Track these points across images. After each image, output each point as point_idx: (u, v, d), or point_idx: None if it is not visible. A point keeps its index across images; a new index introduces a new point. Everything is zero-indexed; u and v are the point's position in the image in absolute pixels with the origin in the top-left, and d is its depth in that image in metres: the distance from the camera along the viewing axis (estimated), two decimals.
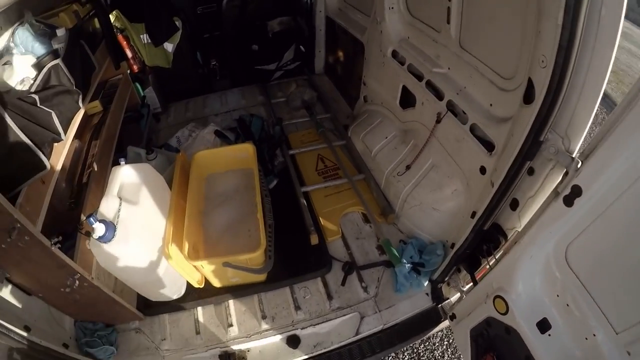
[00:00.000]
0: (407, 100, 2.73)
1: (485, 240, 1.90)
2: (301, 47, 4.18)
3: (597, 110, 1.29)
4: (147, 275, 1.91)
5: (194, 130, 3.30)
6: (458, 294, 2.26)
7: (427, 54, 2.46)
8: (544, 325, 1.53)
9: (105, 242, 1.65)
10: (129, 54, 3.38)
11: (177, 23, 3.50)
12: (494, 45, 1.93)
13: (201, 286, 2.26)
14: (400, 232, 2.63)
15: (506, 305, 1.64)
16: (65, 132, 1.86)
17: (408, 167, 2.59)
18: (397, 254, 2.37)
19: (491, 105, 1.96)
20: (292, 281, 2.37)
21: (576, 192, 1.27)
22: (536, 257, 1.52)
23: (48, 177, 1.77)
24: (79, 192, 2.23)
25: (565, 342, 1.48)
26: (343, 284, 2.36)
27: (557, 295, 1.50)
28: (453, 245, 2.15)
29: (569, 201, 1.30)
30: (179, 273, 2.02)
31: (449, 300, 2.32)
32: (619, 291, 1.32)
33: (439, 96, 2.31)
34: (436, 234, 2.45)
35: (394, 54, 2.80)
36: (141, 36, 3.42)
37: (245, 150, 2.60)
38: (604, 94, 1.25)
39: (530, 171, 1.58)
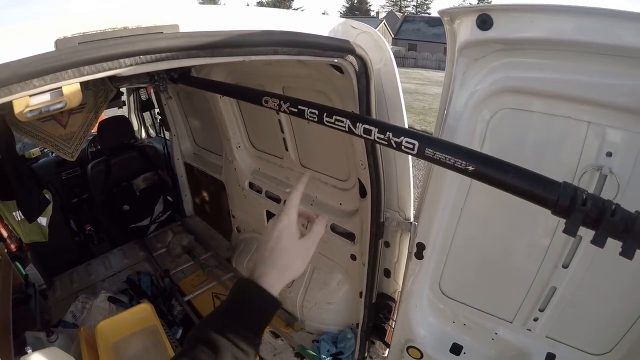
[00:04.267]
0: None
1: (380, 310, 2.19)
2: (168, 197, 4.37)
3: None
4: None
5: (86, 302, 3.11)
6: None
7: (279, 178, 2.88)
8: (456, 349, 1.81)
9: None
10: (5, 233, 3.17)
11: (47, 196, 3.44)
12: (327, 158, 2.41)
13: None
14: (311, 334, 2.77)
15: (419, 351, 1.90)
16: None
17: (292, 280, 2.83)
18: (314, 353, 2.51)
19: (341, 204, 2.38)
20: None
21: (420, 247, 1.67)
22: (420, 304, 1.85)
23: None
24: None
25: (479, 351, 1.78)
26: None
27: (453, 322, 1.83)
28: (357, 324, 2.36)
29: (419, 255, 1.69)
30: None
31: None
32: (494, 294, 1.69)
33: None
34: (341, 322, 2.65)
35: (251, 185, 3.16)
36: (14, 213, 3.27)
37: (144, 310, 2.62)
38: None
39: (387, 244, 1.96)
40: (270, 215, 3.04)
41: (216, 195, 3.94)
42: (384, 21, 40.92)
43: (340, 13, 67.21)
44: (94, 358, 2.28)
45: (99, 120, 3.56)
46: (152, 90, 4.47)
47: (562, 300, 1.50)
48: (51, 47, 0.88)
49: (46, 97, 0.90)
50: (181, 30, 1.04)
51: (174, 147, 4.34)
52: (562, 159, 1.27)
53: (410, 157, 1.68)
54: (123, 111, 5.41)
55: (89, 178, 3.94)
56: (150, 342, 2.58)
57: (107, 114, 4.39)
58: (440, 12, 1.22)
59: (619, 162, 1.17)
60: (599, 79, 1.09)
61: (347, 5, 70.18)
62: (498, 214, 1.50)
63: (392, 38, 42.97)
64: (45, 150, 4.86)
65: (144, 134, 5.62)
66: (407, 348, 1.96)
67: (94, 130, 3.65)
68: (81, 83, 0.93)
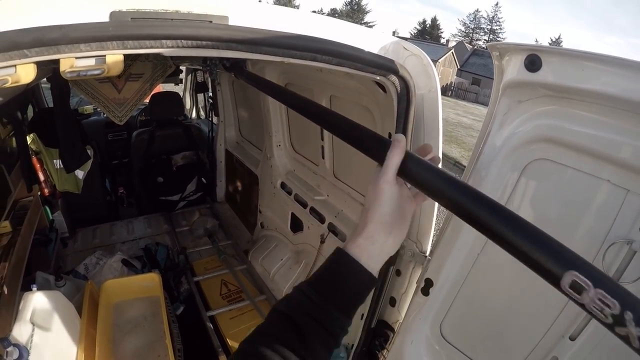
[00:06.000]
0: (296, 224, 3.07)
1: (376, 336, 2.13)
2: (203, 179, 4.49)
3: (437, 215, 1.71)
4: None
5: (101, 259, 3.26)
6: None
7: (310, 184, 2.89)
8: None
9: None
10: (42, 177, 3.39)
11: (89, 152, 3.63)
12: (360, 173, 2.40)
13: None
14: None
15: None
16: None
17: None
18: None
19: None
20: None
21: (428, 283, 1.61)
22: (416, 340, 1.78)
23: None
24: None
25: None
26: None
27: None
28: (352, 345, 2.31)
29: (425, 291, 1.63)
30: None
31: None
32: (492, 348, 1.59)
33: (321, 220, 2.68)
34: None
35: (283, 185, 3.19)
36: (54, 161, 3.48)
37: (151, 280, 2.70)
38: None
39: (398, 272, 1.91)
40: (294, 218, 3.05)
41: (249, 187, 4.02)
42: (452, 51, 40.40)
43: (411, 34, 67.03)
44: (93, 312, 2.37)
45: (153, 92, 3.71)
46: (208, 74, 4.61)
47: None
48: (105, 18, 0.94)
49: (91, 62, 0.96)
50: (230, 22, 1.08)
51: (219, 133, 4.48)
52: (592, 225, 1.18)
53: None
54: (179, 89, 5.60)
55: (132, 144, 4.12)
56: (149, 311, 2.66)
57: (165, 88, 4.60)
58: (489, 45, 1.17)
59: None
60: None
61: (419, 28, 69.88)
62: (513, 269, 1.42)
63: (458, 69, 42.34)
64: (98, 109, 5.17)
65: (194, 114, 5.80)
66: None
67: (147, 100, 3.80)
68: (138, 55, 1.01)
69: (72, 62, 0.94)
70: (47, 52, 0.87)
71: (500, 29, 69.06)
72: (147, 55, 3.34)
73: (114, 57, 0.97)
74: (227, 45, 1.04)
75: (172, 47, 0.98)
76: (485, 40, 67.85)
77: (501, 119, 1.23)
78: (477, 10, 71.37)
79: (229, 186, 4.73)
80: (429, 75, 1.48)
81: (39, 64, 0.95)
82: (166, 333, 2.28)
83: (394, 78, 1.38)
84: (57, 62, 0.95)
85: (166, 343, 2.22)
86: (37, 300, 1.99)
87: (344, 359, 2.46)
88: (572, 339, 1.31)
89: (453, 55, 40.62)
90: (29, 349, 1.72)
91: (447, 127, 15.69)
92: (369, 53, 1.33)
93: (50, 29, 0.85)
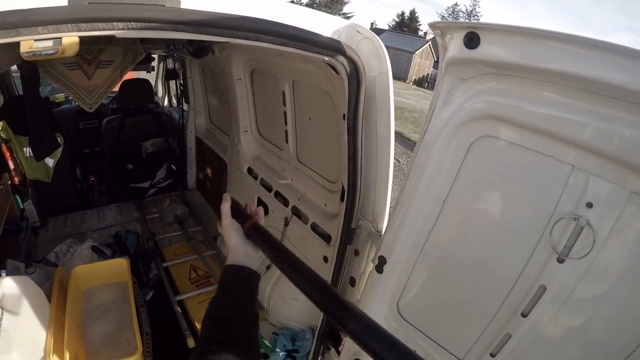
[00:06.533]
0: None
1: None
2: (172, 165, 4.46)
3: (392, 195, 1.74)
4: None
5: (71, 246, 3.24)
6: None
7: (275, 168, 2.90)
8: None
9: None
10: (11, 165, 3.32)
11: (59, 139, 3.57)
12: (322, 157, 2.42)
13: None
14: (273, 326, 2.79)
15: None
16: None
17: (268, 268, 2.85)
18: (269, 344, 2.53)
19: (325, 205, 2.38)
20: None
21: (382, 261, 1.65)
22: (375, 318, 1.81)
23: None
24: None
25: None
26: None
27: None
28: (316, 327, 2.36)
29: (379, 269, 1.67)
30: None
31: None
32: (450, 327, 1.63)
33: (285, 203, 2.70)
34: (303, 321, 2.66)
35: (249, 170, 3.19)
36: (24, 149, 3.41)
37: (120, 265, 2.72)
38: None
39: (356, 252, 1.95)
40: (260, 202, 3.05)
41: (218, 174, 4.00)
42: (430, 43, 40.63)
43: (389, 26, 67.06)
44: (62, 298, 2.37)
45: (123, 79, 3.66)
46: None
47: (516, 350, 1.42)
48: (64, 2, 1.00)
49: (48, 43, 1.02)
50: (182, 6, 1.13)
51: (190, 120, 4.44)
52: (540, 201, 1.21)
53: (391, 170, 1.68)
54: (151, 76, 5.51)
55: (102, 131, 4.07)
56: (118, 296, 2.68)
57: (138, 76, 4.52)
58: (430, 24, 1.21)
59: (598, 215, 1.10)
60: (591, 120, 1.03)
61: (397, 20, 70.06)
62: (465, 247, 1.46)
63: (435, 61, 42.66)
64: (70, 97, 5.07)
65: (166, 102, 5.72)
66: None
67: (117, 88, 3.74)
68: (112, 39, 1.09)
69: (30, 44, 1.00)
70: (8, 35, 0.94)
71: None
72: (116, 41, 3.30)
73: (69, 39, 1.03)
74: (174, 27, 1.10)
75: (123, 29, 1.04)
76: None
77: (445, 97, 1.27)
78: (456, 4, 71.66)
79: (200, 173, 4.69)
80: (381, 57, 1.51)
81: (1, 47, 1.00)
82: (134, 317, 2.31)
83: (342, 59, 1.41)
84: (14, 45, 1.00)
85: (133, 326, 2.26)
86: (6, 286, 1.99)
87: (309, 340, 2.51)
88: (524, 315, 1.35)
89: (430, 47, 40.78)
90: None
91: (422, 118, 15.95)
92: (313, 34, 1.35)
93: (11, 13, 0.92)
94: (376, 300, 1.78)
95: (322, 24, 1.43)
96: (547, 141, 1.14)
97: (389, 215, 1.65)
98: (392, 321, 1.81)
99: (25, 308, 2.01)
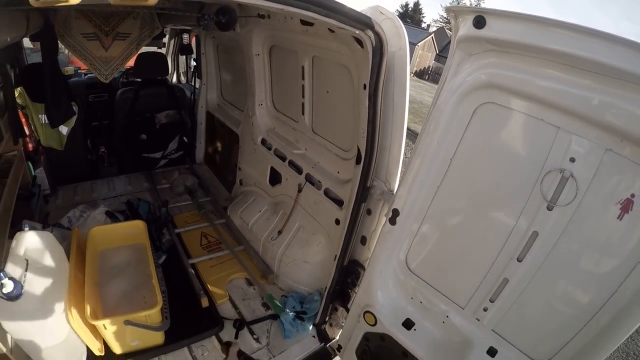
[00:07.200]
0: (275, 178, 3.31)
1: (348, 275, 2.41)
2: (184, 138, 4.63)
3: (405, 156, 1.97)
4: (48, 339, 1.94)
5: (84, 211, 3.37)
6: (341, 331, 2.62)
7: (289, 139, 3.12)
8: (408, 324, 2.01)
9: (11, 300, 1.73)
10: (27, 131, 3.44)
11: (74, 108, 3.70)
12: (337, 127, 2.64)
13: (102, 354, 2.29)
14: (282, 290, 3.00)
15: (374, 317, 2.09)
16: None
17: (280, 232, 3.08)
18: (280, 305, 2.72)
19: (338, 172, 2.61)
20: (189, 341, 2.52)
21: (395, 213, 1.88)
22: (385, 271, 2.05)
23: None
24: None
25: (429, 330, 1.96)
26: (236, 337, 2.58)
27: (411, 298, 2.02)
28: (326, 288, 2.58)
29: (392, 221, 1.91)
30: (80, 338, 2.09)
31: (335, 339, 2.65)
32: (452, 277, 1.87)
33: (299, 171, 2.92)
34: (312, 284, 2.87)
35: (263, 142, 3.40)
36: (40, 116, 3.56)
37: (137, 227, 2.83)
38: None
39: (369, 212, 2.18)
40: (273, 171, 3.28)
41: (229, 147, 4.21)
42: (432, 35, 40.69)
43: None
44: (80, 258, 2.48)
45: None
46: (194, 37, 4.71)
47: (512, 294, 1.66)
48: None
49: None
50: None
51: (201, 95, 4.63)
52: (531, 157, 1.47)
53: (404, 135, 1.91)
54: (161, 52, 5.65)
55: (116, 102, 4.21)
56: (135, 257, 2.79)
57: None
58: (446, 8, 1.46)
59: (580, 168, 1.36)
60: (572, 89, 1.29)
61: (400, 11, 69.72)
62: (468, 200, 1.71)
63: (437, 54, 42.73)
64: (79, 70, 5.22)
65: (175, 79, 5.88)
66: (364, 313, 2.15)
67: (131, 62, 3.89)
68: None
69: None
70: None
71: None
72: (136, 13, 3.46)
73: None
74: None
75: None
76: None
77: (455, 68, 1.53)
78: None
79: (208, 148, 4.89)
80: (400, 35, 1.76)
81: None
82: (153, 274, 2.40)
83: (370, 33, 1.64)
84: None
85: (152, 283, 2.37)
86: (30, 240, 2.08)
87: (317, 302, 2.73)
88: (519, 260, 1.60)
89: (433, 40, 40.89)
90: (22, 283, 1.81)
91: (422, 109, 16.16)
92: (351, 9, 1.57)
93: None
94: (387, 253, 2.01)
95: (353, 3, 1.64)
96: (537, 106, 1.40)
97: (402, 172, 1.89)
98: (400, 274, 2.05)
99: (48, 261, 2.10)
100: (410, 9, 69.51)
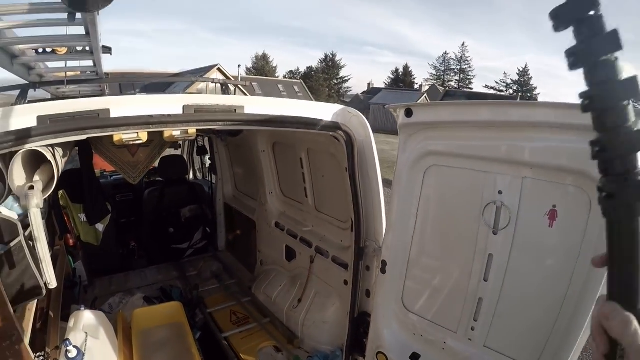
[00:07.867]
0: (290, 254, 3.77)
1: (360, 325, 2.75)
2: (207, 229, 5.19)
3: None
4: None
5: (123, 298, 3.77)
6: None
7: (298, 219, 3.63)
8: (415, 357, 2.30)
9: None
10: (69, 228, 3.90)
11: (108, 207, 4.26)
12: (334, 204, 3.14)
13: None
14: (307, 352, 3.31)
15: (385, 357, 2.41)
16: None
17: (299, 300, 3.48)
18: None
19: (341, 240, 3.06)
20: None
21: (384, 264, 2.31)
22: (386, 314, 2.41)
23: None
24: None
25: (434, 359, 2.25)
26: None
27: (414, 334, 2.34)
28: (344, 344, 2.89)
29: (383, 270, 2.32)
30: None
31: None
32: (441, 306, 2.20)
33: (309, 245, 3.39)
34: (332, 342, 3.19)
35: (277, 224, 3.91)
36: (79, 215, 4.07)
37: (174, 307, 3.26)
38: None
39: (367, 268, 2.60)
40: (288, 249, 3.75)
41: (247, 233, 4.70)
42: (425, 95, 42.56)
43: (386, 84, 69.52)
44: (127, 336, 2.87)
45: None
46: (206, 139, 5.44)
47: (489, 310, 1.95)
48: (179, 110, 1.74)
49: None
50: (245, 110, 1.97)
51: (218, 189, 5.25)
52: (472, 197, 1.91)
53: (382, 201, 2.40)
54: (177, 152, 6.33)
55: (145, 201, 4.82)
56: (174, 334, 3.15)
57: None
58: (388, 107, 2.04)
59: (507, 197, 1.79)
60: (486, 142, 1.80)
61: (392, 77, 73.01)
62: (437, 240, 2.14)
63: None
64: (105, 172, 5.93)
65: (191, 175, 6.55)
66: (377, 354, 2.47)
67: (155, 164, 4.46)
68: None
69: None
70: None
71: (470, 67, 71.40)
72: None
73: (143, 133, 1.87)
74: (241, 124, 1.97)
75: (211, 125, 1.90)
76: (456, 80, 70.95)
77: (403, 146, 2.09)
78: (446, 53, 74.12)
79: (229, 235, 5.40)
80: (365, 127, 2.34)
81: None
82: (193, 346, 2.79)
83: (340, 132, 2.22)
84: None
85: (193, 352, 2.74)
86: (87, 317, 2.48)
87: (339, 356, 3.05)
88: (485, 280, 1.94)
89: (426, 98, 42.61)
90: (83, 352, 2.09)
91: None
92: (321, 120, 2.21)
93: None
94: (386, 298, 2.39)
95: (327, 110, 2.27)
96: (466, 160, 1.91)
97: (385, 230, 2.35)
98: (400, 314, 2.39)
99: (102, 336, 2.46)
100: (401, 73, 72.70)
